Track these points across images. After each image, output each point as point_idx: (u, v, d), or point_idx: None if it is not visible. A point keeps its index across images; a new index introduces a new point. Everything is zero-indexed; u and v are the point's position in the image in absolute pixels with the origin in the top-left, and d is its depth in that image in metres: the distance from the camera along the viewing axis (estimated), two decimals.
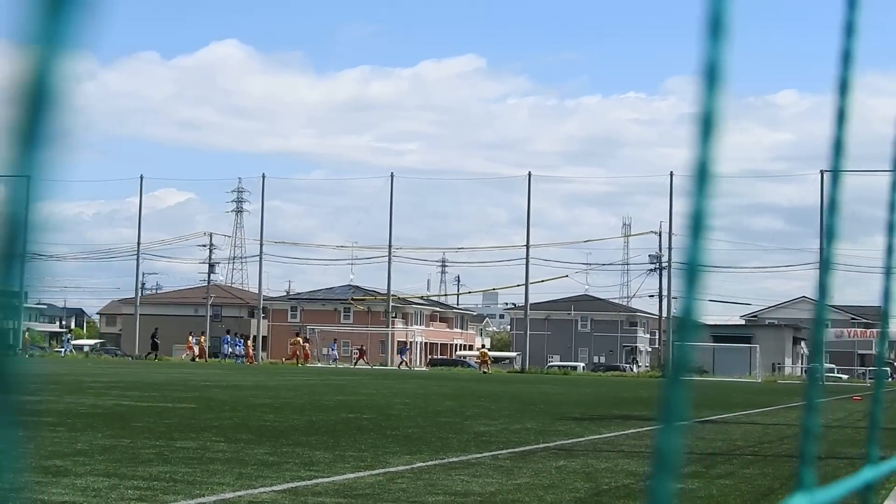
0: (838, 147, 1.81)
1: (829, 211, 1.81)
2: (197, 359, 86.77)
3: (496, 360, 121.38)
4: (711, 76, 1.34)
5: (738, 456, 16.40)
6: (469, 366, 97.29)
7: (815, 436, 1.89)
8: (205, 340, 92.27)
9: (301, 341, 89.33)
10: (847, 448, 17.45)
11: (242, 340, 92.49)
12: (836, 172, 1.84)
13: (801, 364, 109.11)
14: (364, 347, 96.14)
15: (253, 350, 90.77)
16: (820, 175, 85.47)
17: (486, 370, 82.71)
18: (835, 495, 2.05)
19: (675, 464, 1.31)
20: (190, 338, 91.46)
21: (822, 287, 1.82)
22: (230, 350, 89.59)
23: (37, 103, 0.93)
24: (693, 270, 1.35)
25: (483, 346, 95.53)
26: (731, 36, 1.33)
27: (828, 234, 1.79)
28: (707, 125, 1.35)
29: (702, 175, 1.35)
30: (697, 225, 1.36)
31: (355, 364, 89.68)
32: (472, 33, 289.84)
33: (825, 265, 1.82)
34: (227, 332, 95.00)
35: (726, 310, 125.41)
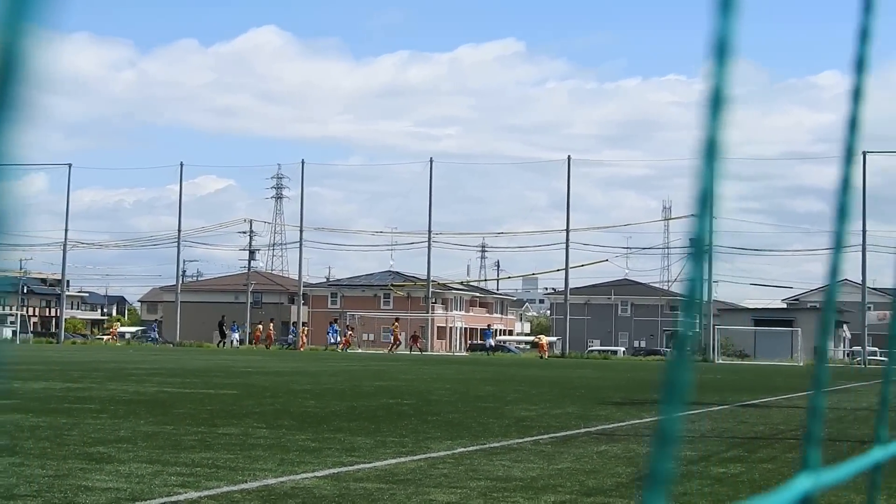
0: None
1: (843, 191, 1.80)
2: (257, 344, 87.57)
3: (535, 345, 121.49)
4: (721, 52, 1.33)
5: (781, 440, 16.35)
6: (509, 350, 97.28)
7: (822, 416, 1.88)
8: (273, 328, 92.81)
9: (398, 325, 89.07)
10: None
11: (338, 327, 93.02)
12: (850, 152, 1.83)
13: (844, 347, 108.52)
14: (417, 333, 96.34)
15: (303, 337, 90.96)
16: (863, 156, 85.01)
17: (542, 355, 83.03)
18: (841, 476, 2.04)
19: (674, 445, 1.30)
20: (259, 326, 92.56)
21: (835, 269, 1.81)
22: (334, 339, 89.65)
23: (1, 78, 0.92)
24: (699, 249, 1.34)
25: (540, 336, 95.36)
26: (740, 10, 1.32)
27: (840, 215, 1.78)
28: (717, 102, 1.34)
29: (710, 153, 1.34)
30: (704, 204, 1.35)
31: (411, 349, 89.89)
32: (510, 17, 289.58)
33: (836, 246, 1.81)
34: (335, 321, 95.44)
35: (768, 293, 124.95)
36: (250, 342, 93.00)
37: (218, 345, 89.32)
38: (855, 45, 1.81)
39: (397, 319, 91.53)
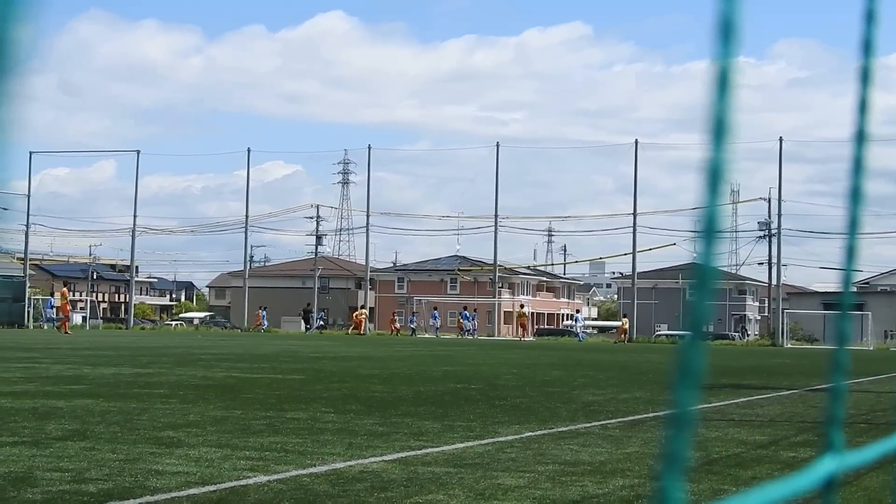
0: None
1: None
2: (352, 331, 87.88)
3: (602, 329, 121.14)
4: (727, 32, 1.32)
5: (851, 424, 16.20)
6: (576, 335, 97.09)
7: (843, 397, 1.87)
8: (365, 315, 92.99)
9: (524, 312, 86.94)
10: None
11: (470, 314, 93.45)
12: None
13: None
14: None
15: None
16: None
17: (621, 340, 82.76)
18: (867, 458, 2.02)
19: (690, 430, 1.29)
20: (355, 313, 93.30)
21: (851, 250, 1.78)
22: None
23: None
24: (711, 225, 1.33)
25: (625, 316, 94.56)
26: None
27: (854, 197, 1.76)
28: (723, 81, 1.33)
29: (719, 130, 1.33)
30: (714, 182, 1.33)
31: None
32: (577, 0, 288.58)
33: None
34: (435, 308, 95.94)
35: (836, 277, 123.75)
36: (321, 328, 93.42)
37: (306, 330, 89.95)
38: (862, 28, 1.78)
39: (522, 306, 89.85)
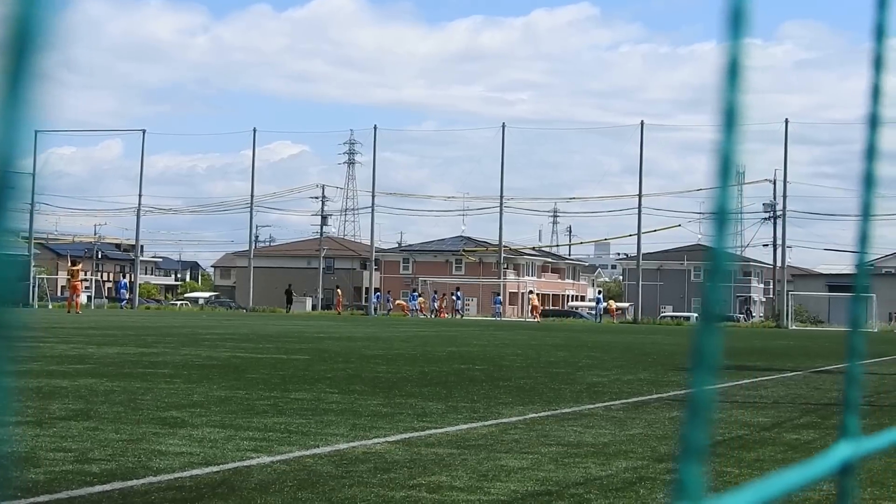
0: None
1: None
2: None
3: (607, 310, 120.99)
4: (737, 16, 1.30)
5: None
6: (581, 316, 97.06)
7: (859, 383, 1.86)
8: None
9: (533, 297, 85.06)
10: None
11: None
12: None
13: None
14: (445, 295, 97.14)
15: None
16: None
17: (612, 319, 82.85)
18: (882, 444, 2.01)
19: (707, 415, 1.27)
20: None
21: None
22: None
23: (21, 42, 0.90)
24: (722, 216, 1.31)
25: (611, 300, 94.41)
26: None
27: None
28: (733, 66, 1.31)
29: (730, 116, 1.31)
30: (725, 169, 1.31)
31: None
32: None
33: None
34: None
35: (841, 258, 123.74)
36: (318, 308, 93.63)
37: (287, 311, 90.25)
38: (874, 13, 1.75)
39: (532, 292, 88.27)
